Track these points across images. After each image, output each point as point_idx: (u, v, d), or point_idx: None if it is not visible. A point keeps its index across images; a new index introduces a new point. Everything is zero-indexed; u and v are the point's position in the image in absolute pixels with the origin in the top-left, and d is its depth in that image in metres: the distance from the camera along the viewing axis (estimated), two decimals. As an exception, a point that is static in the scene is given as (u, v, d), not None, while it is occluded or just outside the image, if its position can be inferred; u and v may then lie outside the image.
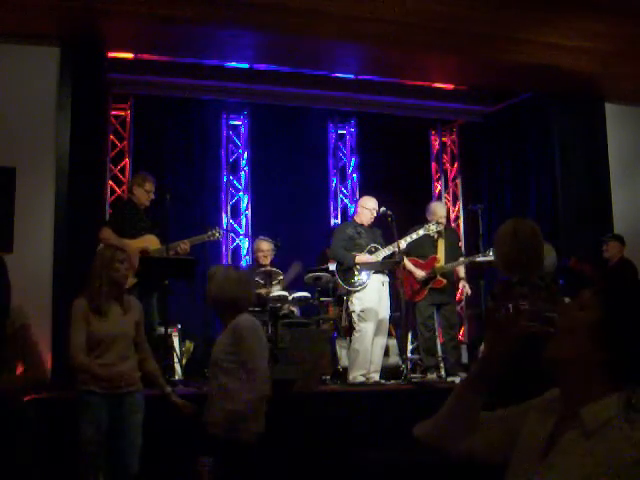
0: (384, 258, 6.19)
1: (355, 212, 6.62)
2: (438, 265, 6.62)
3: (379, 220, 6.37)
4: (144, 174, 6.09)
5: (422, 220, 6.67)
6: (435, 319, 6.70)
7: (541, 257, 3.06)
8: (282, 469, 4.63)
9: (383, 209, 6.26)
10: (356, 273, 6.16)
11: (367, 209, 6.33)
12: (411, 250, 6.53)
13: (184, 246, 5.77)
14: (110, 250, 4.00)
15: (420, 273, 6.57)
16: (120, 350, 3.81)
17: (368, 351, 6.05)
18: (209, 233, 6.11)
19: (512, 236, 3.04)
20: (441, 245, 6.71)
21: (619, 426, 1.32)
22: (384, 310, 6.21)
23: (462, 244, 8.76)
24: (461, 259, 6.73)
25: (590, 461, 1.30)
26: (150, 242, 5.73)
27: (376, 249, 6.24)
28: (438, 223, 6.47)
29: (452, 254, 6.73)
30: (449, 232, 6.98)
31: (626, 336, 1.39)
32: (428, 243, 6.65)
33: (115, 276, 3.86)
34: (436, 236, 6.65)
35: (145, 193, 5.93)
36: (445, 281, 6.59)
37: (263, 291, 6.57)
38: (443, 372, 6.60)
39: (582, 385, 1.41)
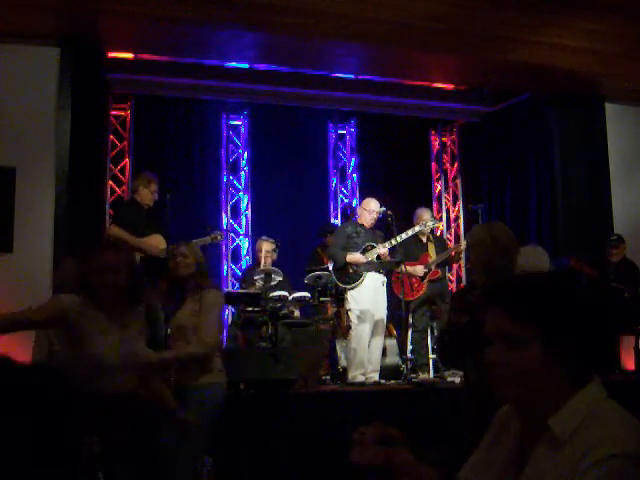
0: (379, 256, 6.25)
1: (358, 213, 6.71)
2: (431, 260, 6.87)
3: (379, 220, 6.40)
4: (149, 175, 6.11)
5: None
6: (424, 319, 6.86)
7: (507, 266, 3.00)
8: (282, 469, 4.64)
9: (383, 209, 6.33)
10: (350, 271, 6.19)
11: (367, 211, 6.36)
12: (404, 258, 6.67)
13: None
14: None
15: (419, 268, 6.74)
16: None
17: (365, 350, 6.07)
18: (212, 235, 6.13)
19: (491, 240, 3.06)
20: (431, 247, 6.99)
21: (587, 425, 1.30)
22: (381, 311, 6.22)
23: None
24: (450, 247, 7.25)
25: (567, 468, 1.28)
26: (158, 241, 5.79)
27: (372, 247, 6.27)
28: (434, 218, 6.91)
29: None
30: (437, 238, 7.31)
31: (577, 327, 1.36)
32: (418, 249, 6.89)
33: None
34: (424, 239, 6.96)
35: (150, 194, 5.99)
36: (440, 272, 6.88)
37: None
38: (432, 371, 6.74)
39: (541, 395, 1.36)
